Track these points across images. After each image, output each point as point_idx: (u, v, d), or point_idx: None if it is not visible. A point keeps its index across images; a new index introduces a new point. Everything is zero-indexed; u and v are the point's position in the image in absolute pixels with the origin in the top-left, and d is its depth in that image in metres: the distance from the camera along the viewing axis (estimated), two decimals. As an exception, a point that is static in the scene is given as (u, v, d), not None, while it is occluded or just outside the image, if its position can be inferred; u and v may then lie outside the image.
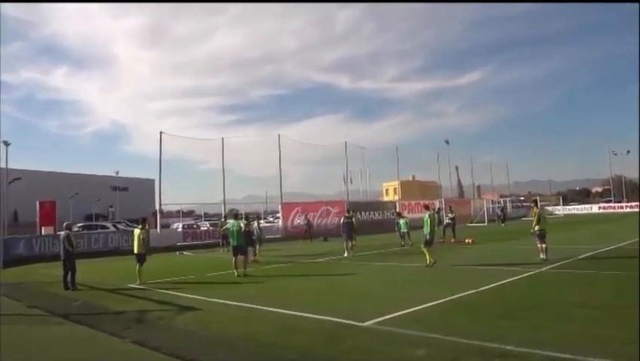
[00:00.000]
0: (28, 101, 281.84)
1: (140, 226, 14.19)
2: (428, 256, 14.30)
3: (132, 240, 14.49)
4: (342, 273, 14.31)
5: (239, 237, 14.68)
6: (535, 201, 19.36)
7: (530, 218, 19.45)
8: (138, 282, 13.25)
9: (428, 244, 14.55)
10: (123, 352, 6.77)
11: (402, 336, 6.65)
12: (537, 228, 15.10)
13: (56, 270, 17.29)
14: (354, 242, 19.79)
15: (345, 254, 19.05)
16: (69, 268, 13.10)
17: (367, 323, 7.43)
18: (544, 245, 14.75)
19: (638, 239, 18.31)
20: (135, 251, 13.86)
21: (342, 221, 21.34)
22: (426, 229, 14.60)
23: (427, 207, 16.37)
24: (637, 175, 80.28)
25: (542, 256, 14.53)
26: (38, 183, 62.41)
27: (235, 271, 14.12)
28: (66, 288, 12.87)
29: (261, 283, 12.89)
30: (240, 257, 14.49)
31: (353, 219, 20.43)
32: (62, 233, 13.71)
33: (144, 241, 13.77)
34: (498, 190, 67.10)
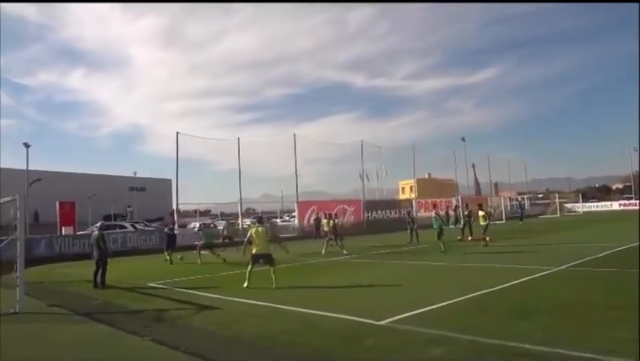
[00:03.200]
0: (47, 104, 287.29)
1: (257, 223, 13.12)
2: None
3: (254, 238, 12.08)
4: (358, 271, 14.32)
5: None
6: (480, 205, 22.67)
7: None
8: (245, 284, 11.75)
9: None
10: (143, 350, 6.86)
11: (419, 335, 6.64)
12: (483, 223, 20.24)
13: (76, 269, 17.62)
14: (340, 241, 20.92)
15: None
16: (101, 266, 13.21)
17: (383, 322, 7.43)
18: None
19: None
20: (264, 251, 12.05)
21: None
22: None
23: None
24: None
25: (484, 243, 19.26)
26: (58, 184, 63.54)
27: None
28: (95, 286, 13.00)
29: (278, 282, 12.91)
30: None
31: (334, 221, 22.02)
32: (95, 233, 13.81)
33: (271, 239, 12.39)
34: (515, 188, 66.46)
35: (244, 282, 11.75)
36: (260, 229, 12.20)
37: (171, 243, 20.08)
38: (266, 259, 11.99)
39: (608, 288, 9.75)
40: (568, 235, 24.98)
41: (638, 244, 17.06)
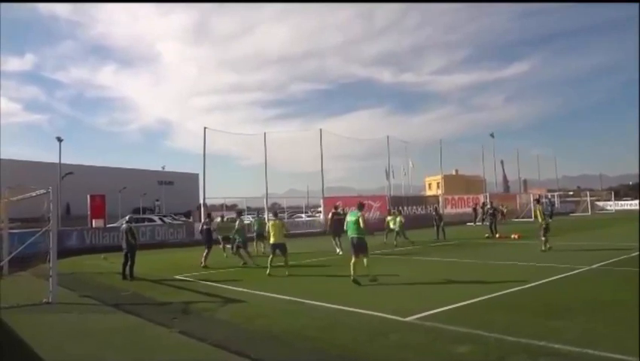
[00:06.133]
0: (79, 99, 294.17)
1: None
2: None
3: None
4: (383, 267, 14.22)
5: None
6: (537, 200, 20.33)
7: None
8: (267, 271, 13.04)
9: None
10: (171, 341, 6.95)
11: (446, 332, 6.57)
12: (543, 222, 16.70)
13: (106, 261, 17.95)
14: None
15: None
16: (129, 259, 13.49)
17: (409, 318, 7.38)
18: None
19: None
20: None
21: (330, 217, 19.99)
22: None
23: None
24: None
25: (543, 247, 16.11)
26: (89, 178, 64.94)
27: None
28: (124, 278, 13.27)
29: (304, 277, 12.96)
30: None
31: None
32: (124, 226, 14.06)
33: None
34: (545, 185, 65.14)
35: (261, 277, 12.61)
36: (276, 222, 13.81)
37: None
38: (280, 248, 13.34)
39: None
40: (598, 233, 24.44)
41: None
